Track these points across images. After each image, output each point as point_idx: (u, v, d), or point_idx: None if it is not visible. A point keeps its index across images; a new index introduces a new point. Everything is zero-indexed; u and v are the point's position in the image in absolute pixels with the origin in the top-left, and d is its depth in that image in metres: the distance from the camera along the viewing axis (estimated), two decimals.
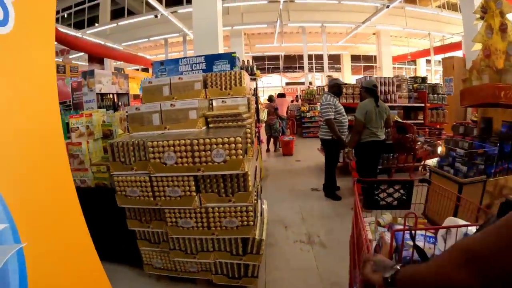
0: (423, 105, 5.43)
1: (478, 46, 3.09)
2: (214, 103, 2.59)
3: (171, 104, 2.29)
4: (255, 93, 5.22)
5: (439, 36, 16.52)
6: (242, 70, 2.57)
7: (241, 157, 1.94)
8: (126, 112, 2.93)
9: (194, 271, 2.40)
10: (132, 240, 2.42)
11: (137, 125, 2.34)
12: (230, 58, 3.39)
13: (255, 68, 4.95)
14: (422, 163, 5.19)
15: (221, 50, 5.45)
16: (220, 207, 2.08)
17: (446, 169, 3.21)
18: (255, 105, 5.08)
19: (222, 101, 2.57)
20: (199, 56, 3.44)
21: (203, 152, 1.97)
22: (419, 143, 4.74)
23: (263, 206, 3.08)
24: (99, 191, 2.55)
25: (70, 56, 13.25)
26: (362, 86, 3.82)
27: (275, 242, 3.09)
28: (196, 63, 3.38)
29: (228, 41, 14.51)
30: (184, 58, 3.43)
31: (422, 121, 5.42)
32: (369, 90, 3.64)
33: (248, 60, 5.11)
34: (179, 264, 2.40)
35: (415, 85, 5.82)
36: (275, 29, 14.53)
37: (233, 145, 1.94)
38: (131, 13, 15.22)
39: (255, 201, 2.45)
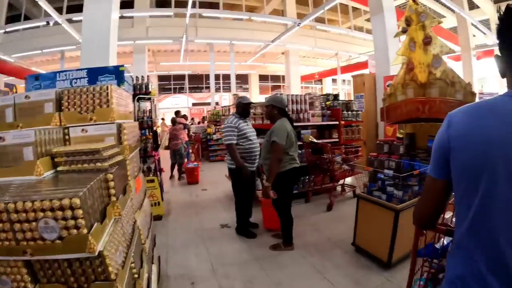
0: (337, 123, 5.24)
1: (398, 60, 2.93)
2: (72, 133, 1.70)
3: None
4: (150, 115, 4.30)
5: (345, 56, 18.07)
6: (110, 84, 1.73)
7: (85, 230, 1.09)
8: None
9: None
10: None
11: None
12: (117, 72, 2.88)
13: (150, 86, 4.06)
14: (341, 182, 4.99)
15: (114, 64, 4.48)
16: None
17: (377, 195, 2.87)
18: (150, 130, 4.20)
19: (83, 130, 1.69)
20: (81, 69, 2.82)
21: (26, 224, 1.06)
22: (337, 164, 4.50)
23: (151, 276, 2.10)
24: None
25: None
26: (270, 104, 3.18)
27: None
28: (76, 78, 2.80)
29: (131, 58, 13.17)
30: (62, 71, 2.84)
31: (337, 140, 5.19)
32: (282, 110, 3.15)
33: (142, 76, 4.16)
34: None
35: (328, 103, 5.67)
36: (182, 46, 13.68)
37: (69, 212, 1.07)
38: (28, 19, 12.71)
39: (133, 281, 1.58)
